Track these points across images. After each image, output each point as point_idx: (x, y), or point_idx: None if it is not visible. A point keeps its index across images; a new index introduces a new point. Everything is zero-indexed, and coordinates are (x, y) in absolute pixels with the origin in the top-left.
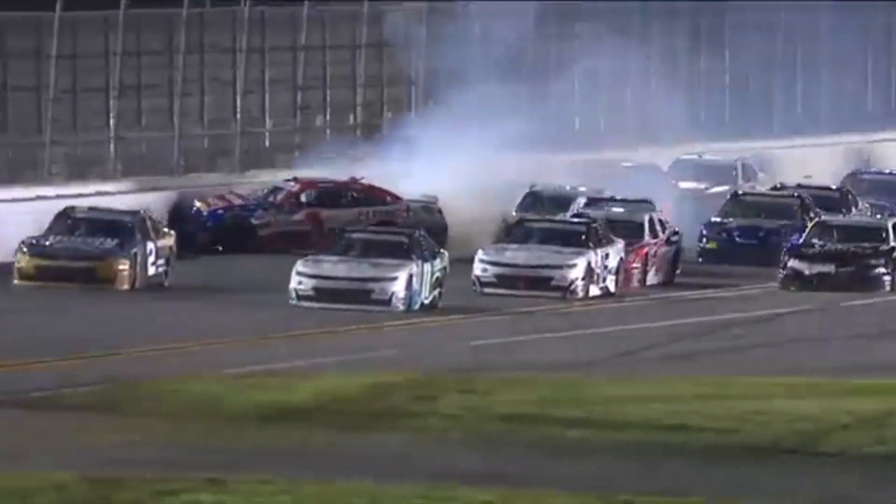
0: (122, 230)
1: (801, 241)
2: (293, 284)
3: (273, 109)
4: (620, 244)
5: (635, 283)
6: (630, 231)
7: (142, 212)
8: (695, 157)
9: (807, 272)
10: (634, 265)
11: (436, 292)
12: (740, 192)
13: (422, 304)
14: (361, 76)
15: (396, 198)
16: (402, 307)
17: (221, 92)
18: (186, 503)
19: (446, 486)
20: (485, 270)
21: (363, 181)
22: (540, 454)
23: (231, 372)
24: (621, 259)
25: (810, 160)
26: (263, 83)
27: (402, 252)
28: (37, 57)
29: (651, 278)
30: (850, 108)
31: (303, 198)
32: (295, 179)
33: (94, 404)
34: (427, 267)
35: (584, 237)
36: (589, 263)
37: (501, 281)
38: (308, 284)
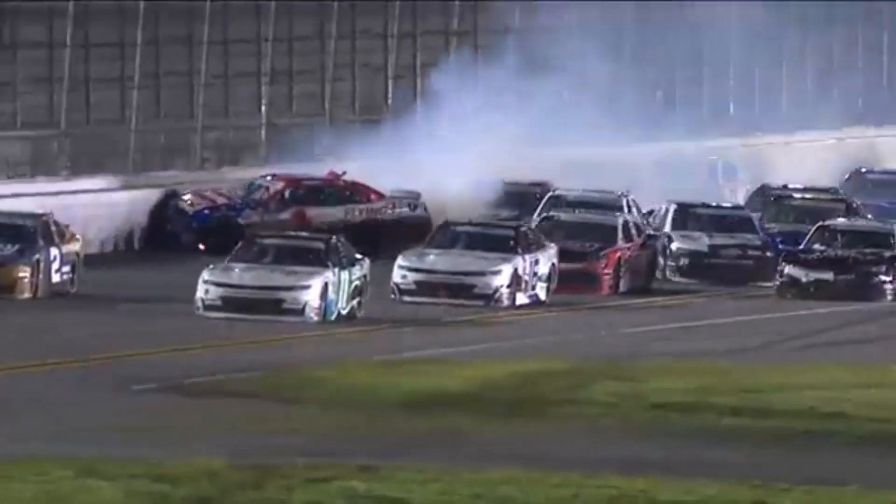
0: (24, 235)
1: (802, 245)
2: (199, 294)
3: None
4: (553, 249)
5: (606, 290)
6: (603, 235)
7: (45, 215)
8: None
9: (804, 279)
10: (606, 271)
11: (354, 302)
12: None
13: (339, 314)
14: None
15: (380, 195)
16: (315, 318)
17: (373, 78)
18: (338, 490)
19: (599, 475)
20: (404, 277)
21: (345, 177)
22: (693, 442)
23: None
24: (553, 265)
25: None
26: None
27: (318, 259)
28: (189, 43)
29: (625, 284)
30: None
31: (288, 195)
32: (273, 176)
33: (248, 392)
34: (344, 275)
35: (511, 242)
36: (516, 270)
37: (421, 288)
38: (215, 293)
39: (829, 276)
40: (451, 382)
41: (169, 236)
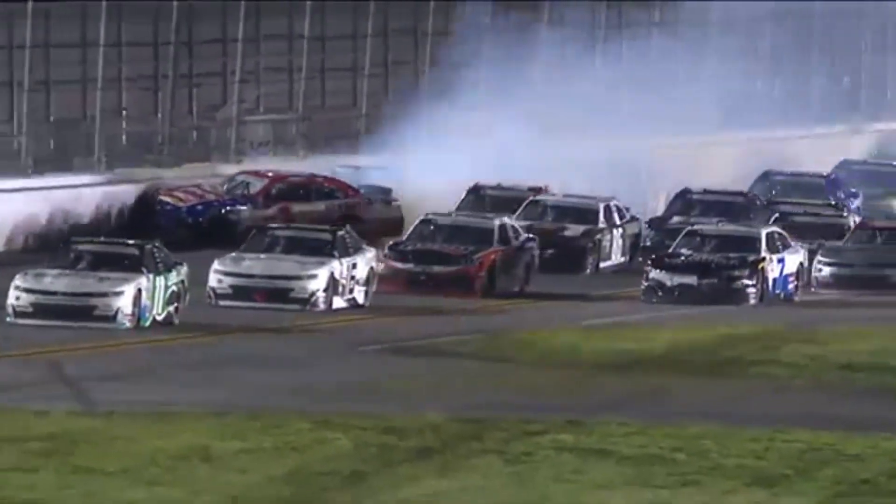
0: None
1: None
2: (10, 300)
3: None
4: (371, 253)
5: (479, 292)
6: (479, 237)
7: None
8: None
9: (668, 283)
10: (480, 273)
11: (171, 308)
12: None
13: (154, 320)
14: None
15: (356, 191)
16: (128, 324)
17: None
18: (549, 442)
19: (789, 430)
20: (220, 281)
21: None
22: (877, 399)
23: None
24: (372, 269)
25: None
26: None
27: (132, 265)
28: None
29: (500, 286)
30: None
31: (274, 192)
32: (258, 173)
33: (466, 353)
34: (160, 281)
35: (329, 246)
36: (332, 274)
37: (237, 293)
38: (26, 300)
39: (692, 280)
40: (653, 345)
41: (157, 231)
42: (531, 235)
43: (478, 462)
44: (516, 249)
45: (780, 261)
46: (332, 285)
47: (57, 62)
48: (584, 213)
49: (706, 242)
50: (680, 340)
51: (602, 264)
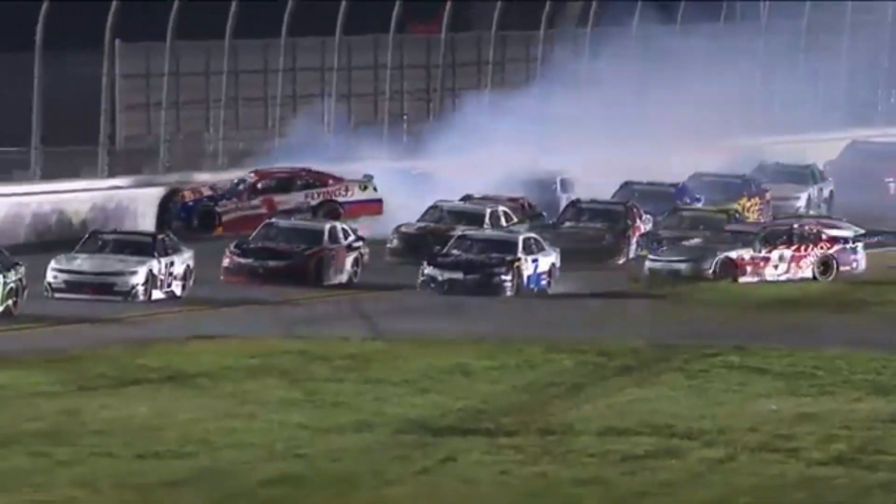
0: None
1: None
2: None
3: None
4: (189, 253)
5: (311, 284)
6: (312, 238)
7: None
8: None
9: (440, 278)
10: (308, 267)
11: (9, 302)
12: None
13: None
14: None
15: (339, 179)
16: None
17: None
18: (721, 362)
19: None
20: (56, 277)
21: (312, 168)
22: None
23: None
24: (189, 266)
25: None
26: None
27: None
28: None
29: (331, 278)
30: None
31: (260, 186)
32: (256, 172)
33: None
34: None
35: (149, 247)
36: (151, 270)
37: (70, 286)
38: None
39: (459, 275)
40: (789, 292)
41: (168, 224)
42: (361, 236)
43: (666, 377)
44: (345, 248)
45: (535, 261)
46: (151, 280)
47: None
48: (473, 216)
49: (474, 245)
50: (810, 289)
51: None
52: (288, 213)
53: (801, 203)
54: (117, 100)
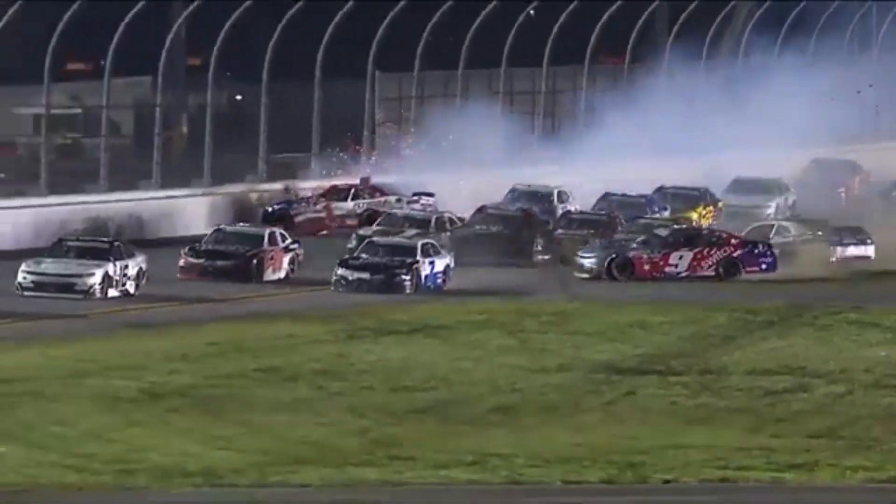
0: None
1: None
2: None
3: None
4: (142, 257)
5: (253, 281)
6: (254, 241)
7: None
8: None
9: (350, 278)
10: (249, 267)
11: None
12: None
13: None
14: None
15: (383, 193)
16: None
17: None
18: (842, 318)
19: None
20: (25, 278)
21: (370, 181)
22: None
23: None
24: (141, 269)
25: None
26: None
27: (102, 255)
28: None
29: (269, 276)
30: None
31: (325, 194)
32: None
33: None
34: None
35: (106, 252)
36: (107, 272)
37: (37, 286)
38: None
39: (366, 275)
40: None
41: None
42: (296, 239)
43: (799, 330)
44: (282, 250)
45: (431, 263)
46: (107, 280)
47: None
48: (421, 222)
49: (380, 250)
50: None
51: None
52: (341, 217)
53: (771, 210)
54: (376, 117)
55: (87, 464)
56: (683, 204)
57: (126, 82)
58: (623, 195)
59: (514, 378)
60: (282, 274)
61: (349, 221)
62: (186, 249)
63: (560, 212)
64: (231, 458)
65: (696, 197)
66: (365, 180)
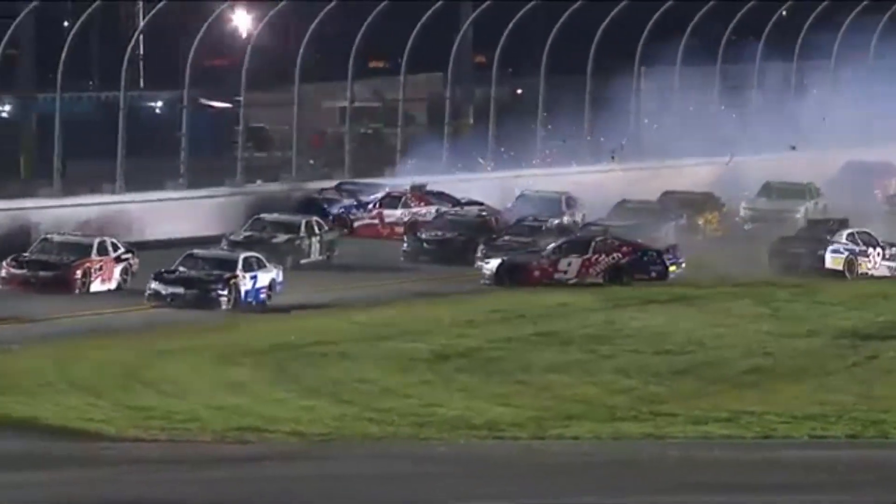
0: None
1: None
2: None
3: None
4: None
5: (76, 291)
6: (81, 251)
7: None
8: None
9: (163, 292)
10: (75, 276)
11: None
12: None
13: None
14: None
15: (429, 203)
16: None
17: None
18: None
19: None
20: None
21: (420, 190)
22: None
23: None
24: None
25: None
26: None
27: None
28: None
29: (98, 287)
30: None
31: (381, 201)
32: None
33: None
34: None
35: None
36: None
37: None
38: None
39: (180, 290)
40: None
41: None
42: (130, 248)
43: None
44: (113, 260)
45: (253, 277)
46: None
47: None
48: (290, 226)
49: (200, 263)
50: None
51: (302, 261)
52: (391, 225)
53: (800, 216)
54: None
55: (386, 416)
56: (690, 209)
57: (420, 78)
58: (537, 192)
59: (765, 343)
60: (112, 285)
61: (397, 229)
62: (9, 259)
63: (567, 218)
64: (511, 414)
65: (701, 202)
66: (417, 188)
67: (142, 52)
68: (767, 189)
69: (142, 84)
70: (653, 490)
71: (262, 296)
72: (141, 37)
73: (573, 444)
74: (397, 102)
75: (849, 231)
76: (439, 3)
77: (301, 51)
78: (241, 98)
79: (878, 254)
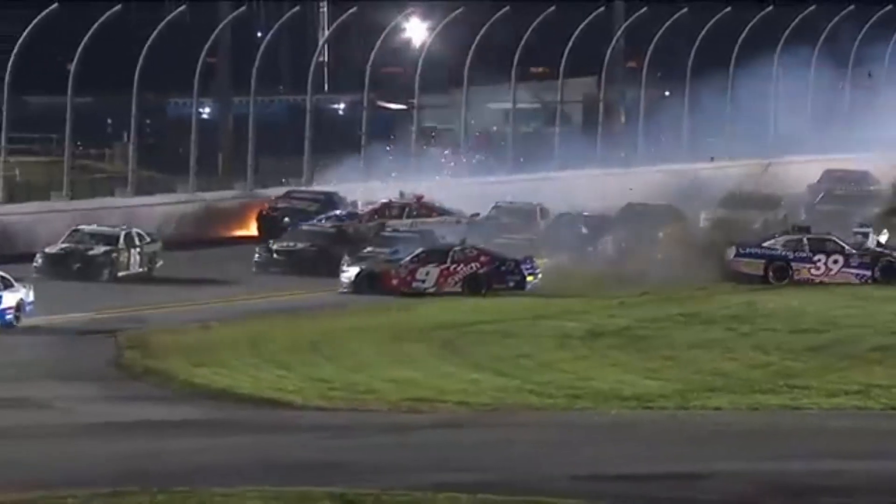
0: None
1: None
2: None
3: None
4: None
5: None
6: (108, 240)
7: None
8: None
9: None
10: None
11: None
12: None
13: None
14: None
15: (432, 211)
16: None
17: None
18: None
19: None
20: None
21: (424, 200)
22: None
23: None
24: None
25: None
26: None
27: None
28: None
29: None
30: None
31: (378, 211)
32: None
33: None
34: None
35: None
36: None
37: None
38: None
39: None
40: None
41: None
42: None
43: None
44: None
45: None
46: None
47: None
48: (109, 237)
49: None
50: None
51: (120, 273)
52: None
53: (758, 225)
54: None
55: (544, 389)
56: (650, 221)
57: (576, 82)
58: (510, 202)
59: (894, 322)
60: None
61: None
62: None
63: (542, 226)
64: (658, 386)
65: (662, 215)
66: (419, 198)
67: (326, 59)
68: (729, 199)
69: (326, 88)
70: (789, 456)
71: (9, 316)
72: (326, 46)
73: (715, 414)
74: (556, 104)
75: (788, 238)
76: (595, 13)
77: (468, 58)
78: (415, 100)
79: (835, 261)
